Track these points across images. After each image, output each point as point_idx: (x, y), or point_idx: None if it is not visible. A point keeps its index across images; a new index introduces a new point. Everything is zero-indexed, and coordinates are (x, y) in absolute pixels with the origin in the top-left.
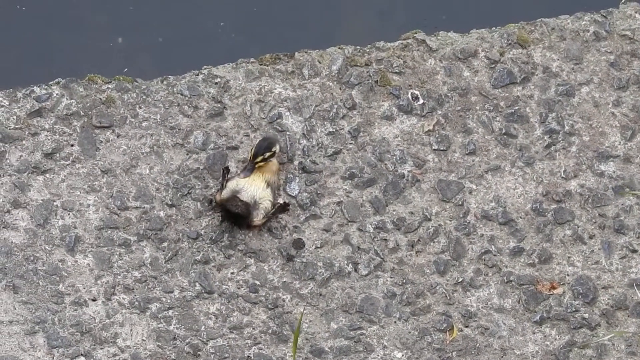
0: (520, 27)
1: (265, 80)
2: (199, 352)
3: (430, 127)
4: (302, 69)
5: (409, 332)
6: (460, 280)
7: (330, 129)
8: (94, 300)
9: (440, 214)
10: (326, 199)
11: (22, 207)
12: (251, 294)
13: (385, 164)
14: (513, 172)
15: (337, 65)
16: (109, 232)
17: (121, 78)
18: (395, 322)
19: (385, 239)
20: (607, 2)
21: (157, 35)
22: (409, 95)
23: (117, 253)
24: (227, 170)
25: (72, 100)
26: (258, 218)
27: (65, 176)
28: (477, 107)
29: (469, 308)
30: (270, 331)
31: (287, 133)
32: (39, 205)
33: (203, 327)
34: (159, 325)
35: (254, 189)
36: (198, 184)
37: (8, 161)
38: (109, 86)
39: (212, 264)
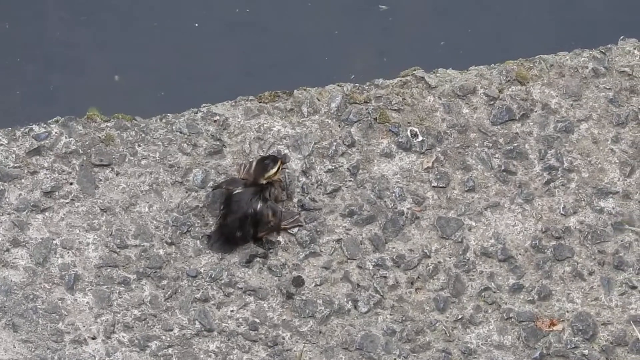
0: (519, 63)
1: (264, 117)
2: None
3: (430, 164)
4: (301, 107)
5: None
6: (460, 317)
7: (330, 167)
8: (93, 338)
9: (440, 251)
10: (326, 237)
11: (22, 246)
12: (251, 331)
13: (385, 201)
14: (512, 208)
15: (336, 103)
16: (108, 270)
17: (120, 116)
18: (395, 359)
19: (384, 276)
20: (606, 39)
21: (155, 74)
22: (408, 133)
23: (117, 291)
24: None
25: (71, 139)
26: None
27: (64, 214)
28: (477, 144)
29: (469, 345)
30: None
31: (287, 171)
32: (39, 243)
33: None
34: None
35: None
36: (197, 221)
37: (7, 200)
38: (108, 124)
39: (212, 302)
